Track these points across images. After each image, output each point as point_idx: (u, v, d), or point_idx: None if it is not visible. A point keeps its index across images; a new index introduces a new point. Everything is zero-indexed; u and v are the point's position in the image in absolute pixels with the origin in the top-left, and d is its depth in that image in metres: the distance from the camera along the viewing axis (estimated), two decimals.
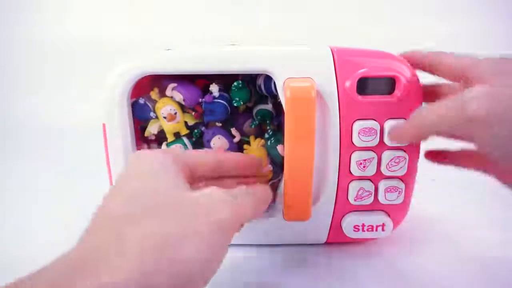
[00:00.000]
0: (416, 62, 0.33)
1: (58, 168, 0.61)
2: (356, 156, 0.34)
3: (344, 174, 0.35)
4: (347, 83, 0.33)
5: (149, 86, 0.39)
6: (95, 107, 0.40)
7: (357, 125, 0.33)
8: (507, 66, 0.26)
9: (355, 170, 0.35)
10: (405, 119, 0.33)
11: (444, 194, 0.51)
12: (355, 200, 0.36)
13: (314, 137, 0.31)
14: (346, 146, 0.34)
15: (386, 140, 0.33)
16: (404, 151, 0.34)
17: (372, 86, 0.33)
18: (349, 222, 0.36)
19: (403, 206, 0.37)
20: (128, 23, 0.71)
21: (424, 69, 0.33)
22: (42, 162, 0.64)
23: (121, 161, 0.36)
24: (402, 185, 0.35)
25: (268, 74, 0.34)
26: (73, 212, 0.46)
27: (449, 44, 0.40)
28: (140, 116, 0.38)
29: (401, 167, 0.34)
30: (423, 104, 0.33)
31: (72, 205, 0.48)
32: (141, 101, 0.38)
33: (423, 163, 0.36)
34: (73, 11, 0.74)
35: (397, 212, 0.37)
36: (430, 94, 0.35)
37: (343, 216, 0.37)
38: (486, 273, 0.35)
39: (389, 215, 0.36)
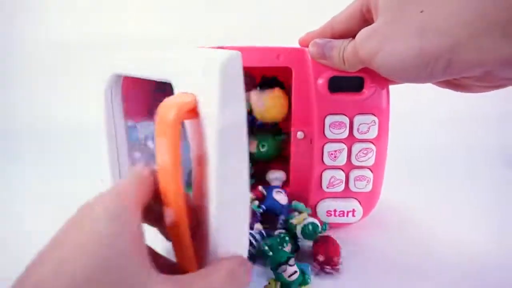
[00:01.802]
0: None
1: (57, 168, 0.62)
2: (328, 147, 0.38)
3: (318, 164, 0.39)
4: (320, 81, 0.36)
5: None
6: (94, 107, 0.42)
7: (329, 119, 0.37)
8: None
9: (327, 160, 0.38)
10: (373, 114, 0.37)
11: (419, 185, 0.54)
12: (327, 188, 0.39)
13: (180, 169, 0.22)
14: (319, 138, 0.38)
15: (355, 133, 0.37)
16: (372, 143, 0.38)
17: (342, 84, 0.36)
18: (322, 208, 0.40)
19: (373, 194, 0.40)
20: (126, 23, 0.74)
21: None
22: (42, 161, 0.65)
23: (107, 165, 0.36)
24: (370, 175, 0.39)
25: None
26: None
27: None
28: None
29: (369, 158, 0.38)
30: None
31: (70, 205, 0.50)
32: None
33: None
34: (73, 11, 0.76)
35: (367, 199, 0.40)
36: None
37: (318, 202, 0.40)
38: (453, 259, 0.38)
39: (359, 202, 0.40)
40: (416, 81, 0.29)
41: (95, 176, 0.43)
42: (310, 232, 0.36)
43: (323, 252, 0.35)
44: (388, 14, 0.29)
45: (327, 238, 0.37)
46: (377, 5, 0.30)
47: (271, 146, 0.43)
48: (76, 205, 0.21)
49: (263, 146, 0.43)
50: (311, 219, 0.37)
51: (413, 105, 0.67)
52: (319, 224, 0.37)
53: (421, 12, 0.26)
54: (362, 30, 0.31)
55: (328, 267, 0.34)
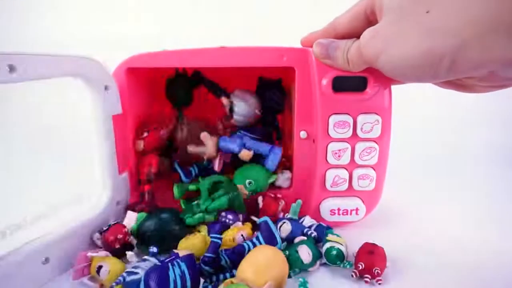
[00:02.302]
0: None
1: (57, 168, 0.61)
2: (332, 147, 0.38)
3: (322, 163, 0.39)
4: (324, 81, 0.36)
5: None
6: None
7: (333, 119, 0.37)
8: None
9: (331, 159, 0.39)
10: (376, 114, 0.37)
11: (420, 183, 0.55)
12: (331, 186, 0.40)
13: None
14: (323, 138, 0.38)
15: (359, 132, 0.37)
16: (376, 142, 0.38)
17: (346, 84, 0.37)
18: (326, 207, 0.40)
19: (375, 193, 0.41)
20: (127, 24, 0.74)
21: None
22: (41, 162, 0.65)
23: None
24: (373, 173, 0.39)
25: None
26: None
27: None
28: None
29: (372, 157, 0.38)
30: None
31: None
32: None
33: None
34: (72, 11, 0.76)
35: (370, 198, 0.41)
36: None
37: (321, 201, 0.41)
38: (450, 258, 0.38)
39: (362, 201, 0.40)
40: (420, 81, 0.30)
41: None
42: (333, 257, 0.35)
43: (365, 261, 0.33)
44: (393, 14, 0.29)
45: (373, 248, 0.35)
46: (381, 6, 0.30)
47: (260, 177, 0.41)
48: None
49: (250, 183, 0.41)
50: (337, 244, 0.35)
51: (414, 104, 0.67)
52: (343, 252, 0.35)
53: (427, 12, 0.27)
54: (367, 30, 0.31)
55: (368, 276, 0.33)
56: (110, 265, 0.33)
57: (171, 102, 0.49)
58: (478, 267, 0.36)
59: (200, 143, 0.41)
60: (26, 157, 0.68)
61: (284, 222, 0.38)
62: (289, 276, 0.32)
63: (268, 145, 0.42)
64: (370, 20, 0.33)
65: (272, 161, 0.41)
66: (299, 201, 0.40)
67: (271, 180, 0.42)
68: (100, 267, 0.33)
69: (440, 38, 0.26)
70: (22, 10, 0.77)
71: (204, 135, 0.41)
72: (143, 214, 0.39)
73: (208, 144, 0.40)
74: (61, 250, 0.35)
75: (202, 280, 0.33)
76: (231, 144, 0.41)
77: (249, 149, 0.41)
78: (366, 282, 0.33)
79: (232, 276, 0.33)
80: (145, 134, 0.43)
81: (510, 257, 0.37)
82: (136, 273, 0.30)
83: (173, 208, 0.40)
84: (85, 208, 0.39)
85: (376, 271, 0.33)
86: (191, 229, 0.39)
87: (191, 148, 0.41)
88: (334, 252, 0.35)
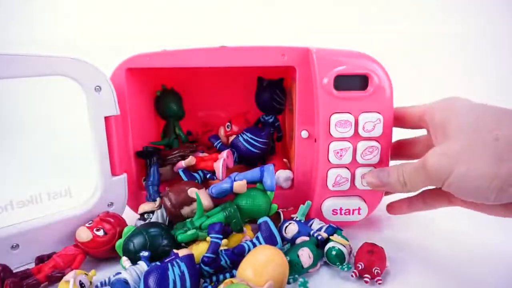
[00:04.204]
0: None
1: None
2: (333, 146, 0.38)
3: (323, 163, 0.39)
4: (325, 80, 0.36)
5: None
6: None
7: (334, 118, 0.37)
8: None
9: (333, 159, 0.38)
10: (378, 112, 0.37)
11: None
12: (333, 186, 0.39)
13: None
14: (325, 137, 0.38)
15: (360, 131, 0.37)
16: (377, 141, 0.38)
17: (347, 83, 0.36)
18: (328, 206, 0.40)
19: (377, 192, 0.40)
20: (127, 24, 0.74)
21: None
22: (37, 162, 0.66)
23: None
24: None
25: None
26: None
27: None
28: None
29: (374, 156, 0.38)
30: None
31: None
32: None
33: None
34: (72, 12, 0.76)
35: (372, 197, 0.40)
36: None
37: (323, 201, 0.40)
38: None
39: (364, 200, 0.40)
40: (483, 201, 0.30)
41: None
42: (332, 256, 0.35)
43: (364, 261, 0.33)
44: (462, 137, 0.30)
45: (373, 247, 0.35)
46: (446, 127, 0.31)
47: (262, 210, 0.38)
48: None
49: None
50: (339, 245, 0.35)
51: (415, 102, 0.67)
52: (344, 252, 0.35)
53: (496, 140, 0.28)
54: (433, 151, 0.32)
55: (367, 276, 0.33)
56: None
57: (163, 117, 0.49)
58: (479, 268, 0.36)
59: (191, 200, 0.38)
60: (25, 154, 0.68)
61: (291, 223, 0.38)
62: (289, 282, 0.32)
63: (256, 168, 0.40)
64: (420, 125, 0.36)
65: (270, 179, 0.39)
66: (309, 202, 0.39)
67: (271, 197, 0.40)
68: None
69: (507, 168, 0.28)
70: (23, 11, 0.77)
71: (192, 191, 0.38)
72: (131, 227, 0.36)
73: (201, 196, 0.38)
74: (34, 239, 0.35)
75: (202, 280, 0.33)
76: (223, 185, 0.39)
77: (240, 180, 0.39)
78: (366, 282, 0.33)
79: (232, 276, 0.33)
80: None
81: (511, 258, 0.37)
82: (120, 273, 0.31)
83: (161, 223, 0.38)
84: (72, 204, 0.39)
85: (376, 271, 0.33)
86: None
87: (186, 211, 0.38)
88: (334, 252, 0.35)
